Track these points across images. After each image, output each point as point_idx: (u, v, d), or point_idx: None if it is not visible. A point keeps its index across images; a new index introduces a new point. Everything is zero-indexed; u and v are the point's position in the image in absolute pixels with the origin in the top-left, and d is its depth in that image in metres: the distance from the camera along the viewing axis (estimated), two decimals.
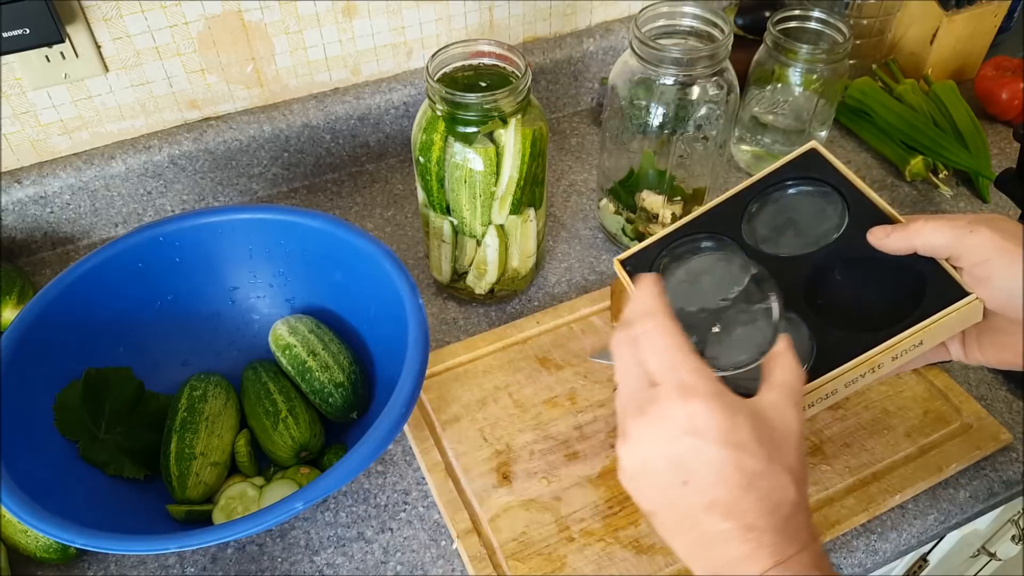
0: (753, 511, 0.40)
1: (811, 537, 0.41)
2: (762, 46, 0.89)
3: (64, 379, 0.63)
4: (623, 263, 0.61)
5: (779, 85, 0.89)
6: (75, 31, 0.76)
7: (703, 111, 0.75)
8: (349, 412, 0.67)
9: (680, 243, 0.60)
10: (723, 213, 0.59)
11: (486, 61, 0.71)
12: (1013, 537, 0.95)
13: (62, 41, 0.73)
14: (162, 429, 0.66)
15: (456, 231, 0.75)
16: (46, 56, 0.76)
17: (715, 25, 0.73)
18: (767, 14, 0.92)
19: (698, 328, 0.48)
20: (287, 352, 0.69)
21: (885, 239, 0.52)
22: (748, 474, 0.40)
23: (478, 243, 0.75)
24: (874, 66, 1.04)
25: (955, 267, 0.50)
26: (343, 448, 0.67)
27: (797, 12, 0.87)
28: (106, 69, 0.81)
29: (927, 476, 0.66)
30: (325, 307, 0.73)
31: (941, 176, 0.94)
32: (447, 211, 0.74)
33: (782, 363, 0.44)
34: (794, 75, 0.88)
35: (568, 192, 0.95)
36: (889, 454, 0.67)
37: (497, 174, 0.69)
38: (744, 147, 0.97)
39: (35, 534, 0.60)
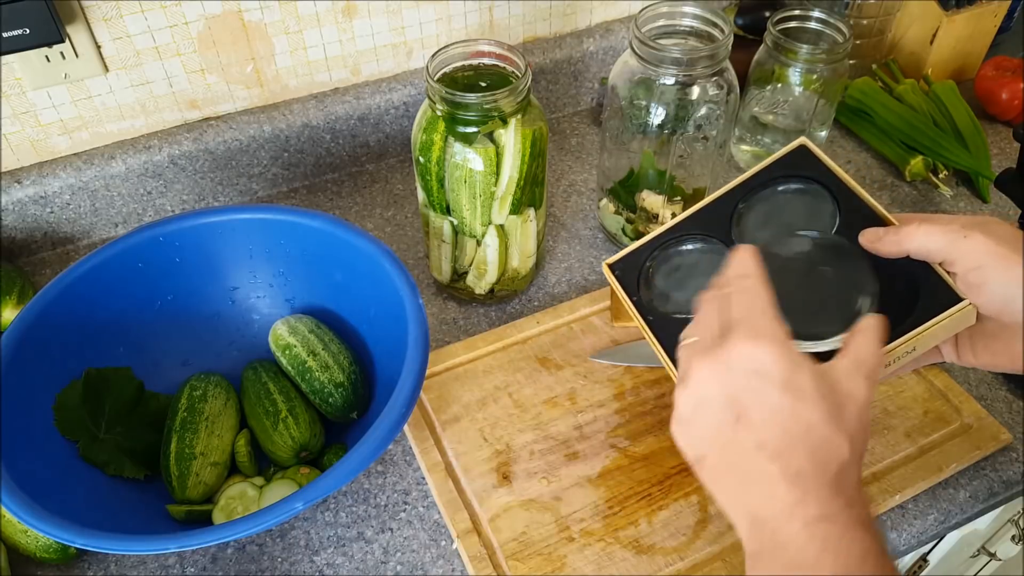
0: (802, 459, 0.40)
1: (860, 497, 0.41)
2: (762, 46, 0.89)
3: (64, 379, 0.63)
4: (611, 267, 0.61)
5: (779, 85, 0.89)
6: (75, 31, 0.76)
7: (703, 111, 0.75)
8: (349, 412, 0.67)
9: (668, 245, 0.60)
10: (713, 213, 0.59)
11: (486, 61, 0.71)
12: (1013, 537, 0.95)
13: (62, 41, 0.73)
14: (162, 429, 0.66)
15: (456, 231, 0.75)
16: (46, 56, 0.76)
17: (715, 25, 0.73)
18: (767, 14, 0.92)
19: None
20: (287, 352, 0.69)
21: (877, 242, 0.51)
22: (803, 424, 0.40)
23: (478, 243, 0.75)
24: (874, 66, 1.04)
25: (949, 271, 0.50)
26: (343, 448, 0.67)
27: (797, 12, 0.87)
28: (106, 69, 0.81)
29: (927, 476, 0.66)
30: (325, 307, 0.73)
31: (941, 176, 0.94)
32: (447, 211, 0.74)
33: (860, 339, 0.44)
34: (794, 75, 0.88)
35: (568, 192, 0.95)
36: (889, 454, 0.67)
37: (497, 174, 0.69)
38: (744, 147, 0.97)
39: (35, 534, 0.60)
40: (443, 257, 0.78)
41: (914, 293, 0.50)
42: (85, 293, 0.65)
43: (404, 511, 0.66)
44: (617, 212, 0.85)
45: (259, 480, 0.65)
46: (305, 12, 0.85)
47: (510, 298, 0.82)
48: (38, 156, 0.84)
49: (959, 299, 0.49)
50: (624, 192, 0.83)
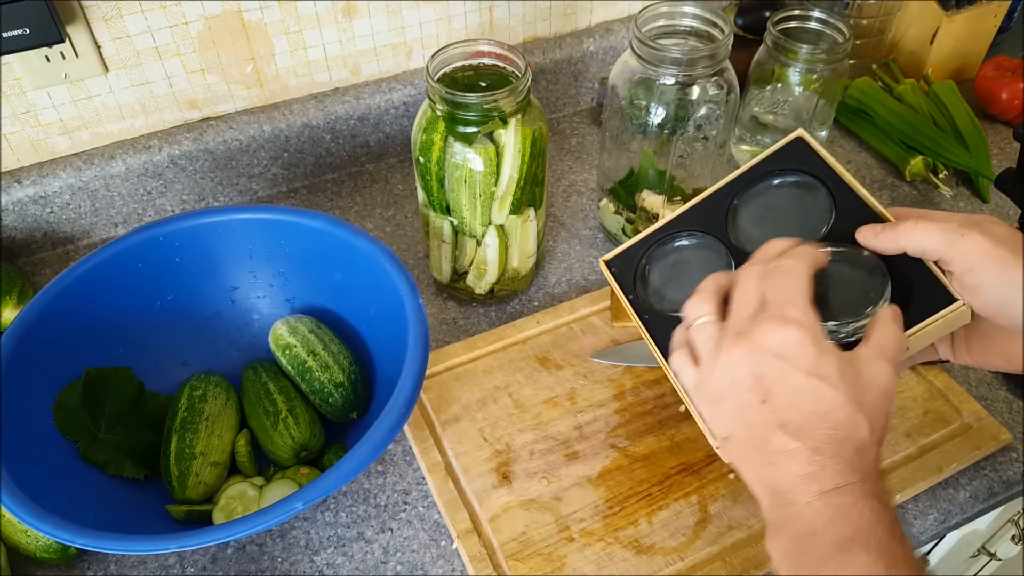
0: (822, 437, 0.42)
1: (876, 472, 0.43)
2: (762, 46, 0.89)
3: (64, 379, 0.63)
4: (608, 263, 0.61)
5: (779, 85, 0.89)
6: (75, 31, 0.76)
7: (703, 111, 0.75)
8: (349, 412, 0.67)
9: (664, 241, 0.59)
10: (708, 208, 0.59)
11: (486, 61, 0.71)
12: (1013, 537, 0.95)
13: (62, 41, 0.73)
14: (162, 429, 0.66)
15: (456, 231, 0.75)
16: (46, 56, 0.76)
17: (715, 25, 0.73)
18: (767, 14, 0.92)
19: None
20: (287, 352, 0.69)
21: (874, 239, 0.50)
22: (825, 405, 0.42)
23: (478, 243, 0.75)
24: (874, 66, 1.04)
25: (944, 271, 0.49)
26: (343, 448, 0.67)
27: (797, 12, 0.87)
28: (106, 69, 0.81)
29: (927, 476, 0.66)
30: (325, 307, 0.73)
31: (941, 176, 0.94)
32: (447, 211, 0.74)
33: (881, 327, 0.46)
34: (794, 75, 0.88)
35: (568, 192, 0.95)
36: (889, 454, 0.67)
37: (497, 174, 0.69)
38: (744, 147, 0.97)
39: (35, 534, 0.60)
40: (443, 257, 0.78)
41: (908, 291, 0.49)
42: (85, 293, 0.65)
43: (404, 511, 0.66)
44: (617, 212, 0.85)
45: (259, 480, 0.65)
46: (305, 12, 0.85)
47: (510, 298, 0.82)
48: (38, 156, 0.84)
49: (954, 299, 0.48)
50: (624, 192, 0.83)
